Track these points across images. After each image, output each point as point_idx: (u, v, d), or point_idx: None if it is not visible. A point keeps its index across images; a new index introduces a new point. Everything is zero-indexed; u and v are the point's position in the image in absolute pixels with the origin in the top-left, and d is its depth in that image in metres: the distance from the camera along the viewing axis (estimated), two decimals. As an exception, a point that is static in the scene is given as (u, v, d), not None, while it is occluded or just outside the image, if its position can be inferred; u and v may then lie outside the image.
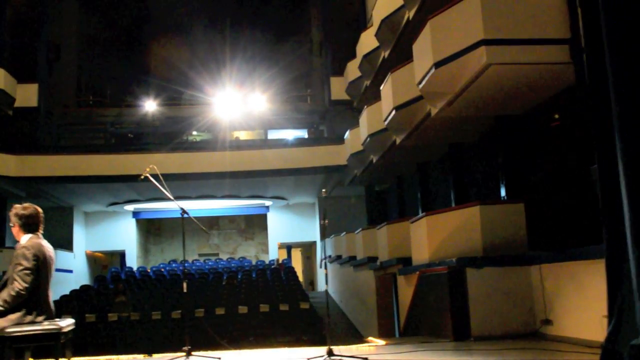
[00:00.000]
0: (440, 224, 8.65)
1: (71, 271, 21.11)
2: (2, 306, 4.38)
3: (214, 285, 19.60)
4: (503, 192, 10.59)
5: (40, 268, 4.56)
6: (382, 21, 14.64)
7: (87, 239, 23.81)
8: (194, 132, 24.61)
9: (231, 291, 18.11)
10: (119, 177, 19.68)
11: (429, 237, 8.73)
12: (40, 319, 4.51)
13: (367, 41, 16.95)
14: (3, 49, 19.63)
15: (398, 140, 13.28)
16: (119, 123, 23.23)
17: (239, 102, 22.32)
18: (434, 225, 8.74)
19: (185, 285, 6.93)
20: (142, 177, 6.68)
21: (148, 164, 21.09)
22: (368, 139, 14.74)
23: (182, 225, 6.95)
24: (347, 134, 18.24)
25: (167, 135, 23.03)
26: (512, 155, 10.27)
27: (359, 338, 14.35)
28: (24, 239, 4.72)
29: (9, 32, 20.07)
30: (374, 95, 18.64)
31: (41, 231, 4.85)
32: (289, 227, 25.62)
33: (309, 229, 25.64)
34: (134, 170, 19.59)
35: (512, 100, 9.69)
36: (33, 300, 4.50)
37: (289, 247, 26.42)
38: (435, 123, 11.34)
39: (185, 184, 20.76)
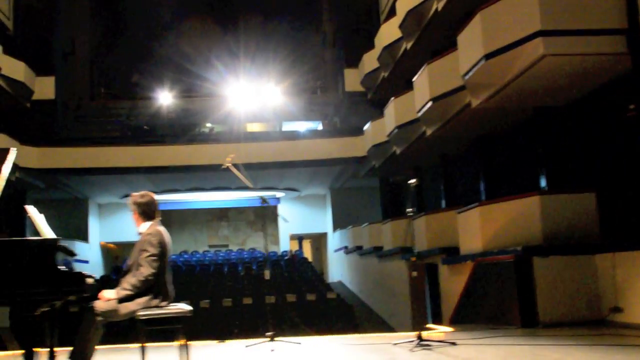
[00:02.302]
0: (495, 214, 8.81)
1: (87, 262, 21.11)
2: (131, 290, 4.48)
3: (231, 276, 19.71)
4: (543, 183, 10.76)
5: (164, 254, 4.66)
6: (408, 12, 14.69)
7: (101, 230, 23.82)
8: (208, 124, 24.60)
9: (252, 281, 18.24)
10: (136, 168, 19.73)
11: (483, 226, 8.87)
12: (164, 303, 4.61)
13: (388, 32, 16.98)
14: (20, 42, 19.52)
15: (429, 132, 13.39)
16: (134, 115, 23.17)
17: (253, 94, 22.34)
18: (487, 215, 8.88)
19: (267, 272, 7.05)
20: (224, 167, 6.74)
21: (163, 155, 21.17)
22: (395, 130, 14.82)
23: (264, 216, 6.99)
24: (367, 126, 18.32)
25: (182, 127, 23.06)
26: (555, 146, 10.44)
27: (388, 328, 14.54)
28: (145, 226, 4.83)
29: (26, 25, 19.95)
30: (391, 87, 18.79)
31: (159, 218, 4.95)
32: (299, 218, 25.69)
33: (319, 220, 25.78)
34: (150, 162, 19.81)
35: (557, 91, 9.82)
36: (157, 285, 4.61)
37: (300, 238, 26.53)
38: (472, 114, 11.48)
39: (199, 175, 20.84)
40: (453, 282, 10.28)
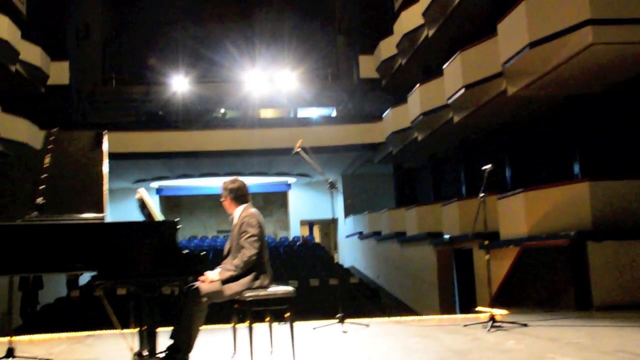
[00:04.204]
0: (541, 200, 8.95)
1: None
2: (234, 271, 4.58)
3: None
4: (577, 170, 10.93)
5: (262, 234, 4.76)
6: (433, 0, 14.74)
7: (112, 215, 23.69)
8: (222, 110, 24.60)
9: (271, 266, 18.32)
10: (150, 154, 19.73)
11: (527, 212, 9.02)
12: (266, 282, 4.71)
13: (409, 19, 17.01)
14: (34, 26, 19.38)
15: (457, 119, 13.49)
16: (148, 101, 23.09)
17: (267, 81, 22.37)
18: (533, 200, 9.03)
19: (336, 255, 7.15)
20: (295, 152, 6.83)
21: (178, 140, 21.07)
22: (420, 117, 14.91)
23: (332, 200, 7.13)
24: (387, 112, 18.36)
25: (197, 113, 23.06)
26: (592, 133, 10.60)
27: (412, 311, 14.71)
28: (239, 209, 4.92)
29: (39, 9, 19.79)
30: (409, 74, 18.88)
31: (250, 201, 5.03)
32: (310, 204, 25.81)
33: (329, 206, 25.82)
34: (165, 147, 19.80)
35: (594, 79, 9.96)
36: (259, 265, 4.70)
37: (311, 224, 26.68)
38: (505, 102, 11.60)
39: (214, 161, 20.89)
40: (491, 267, 10.40)
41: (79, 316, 12.30)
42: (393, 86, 20.85)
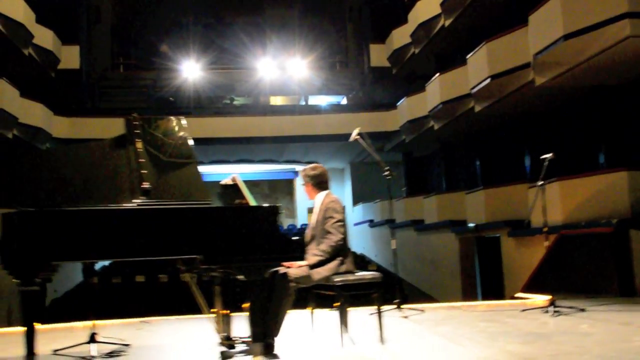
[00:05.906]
0: (576, 188, 9.13)
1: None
2: (322, 256, 4.67)
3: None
4: (602, 160, 11.10)
5: (345, 220, 4.86)
6: (454, -10, 14.81)
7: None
8: (231, 96, 24.58)
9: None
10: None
11: (563, 200, 9.19)
12: (351, 267, 4.82)
13: (424, 9, 17.05)
14: (44, 9, 19.21)
15: (478, 108, 13.59)
16: (159, 87, 23.02)
17: (278, 68, 22.40)
18: (568, 189, 9.21)
19: (393, 242, 7.29)
20: (352, 139, 6.92)
21: (189, 127, 21.00)
22: (440, 105, 15.01)
23: (389, 186, 7.24)
24: (402, 101, 18.44)
25: (208, 100, 23.04)
26: (619, 123, 10.77)
27: (431, 299, 14.88)
28: (320, 196, 5.03)
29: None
30: (421, 63, 18.97)
31: (330, 188, 5.13)
32: (316, 192, 25.90)
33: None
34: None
35: (623, 71, 10.11)
36: (343, 250, 4.80)
37: (317, 212, 26.82)
38: (530, 92, 11.73)
39: (224, 148, 20.92)
40: (520, 255, 10.61)
41: (102, 302, 12.41)
42: (404, 75, 20.93)
